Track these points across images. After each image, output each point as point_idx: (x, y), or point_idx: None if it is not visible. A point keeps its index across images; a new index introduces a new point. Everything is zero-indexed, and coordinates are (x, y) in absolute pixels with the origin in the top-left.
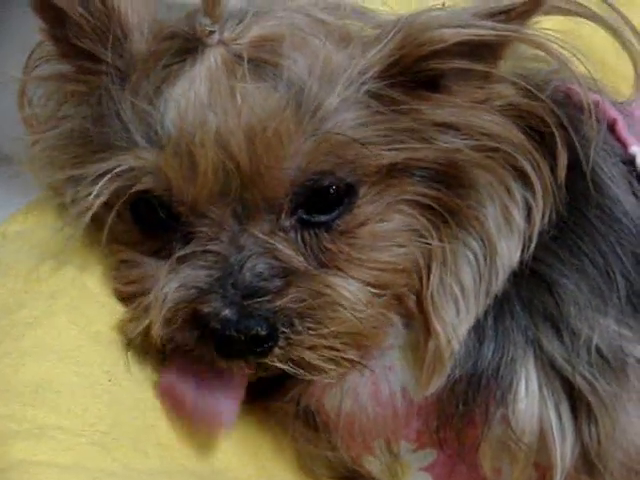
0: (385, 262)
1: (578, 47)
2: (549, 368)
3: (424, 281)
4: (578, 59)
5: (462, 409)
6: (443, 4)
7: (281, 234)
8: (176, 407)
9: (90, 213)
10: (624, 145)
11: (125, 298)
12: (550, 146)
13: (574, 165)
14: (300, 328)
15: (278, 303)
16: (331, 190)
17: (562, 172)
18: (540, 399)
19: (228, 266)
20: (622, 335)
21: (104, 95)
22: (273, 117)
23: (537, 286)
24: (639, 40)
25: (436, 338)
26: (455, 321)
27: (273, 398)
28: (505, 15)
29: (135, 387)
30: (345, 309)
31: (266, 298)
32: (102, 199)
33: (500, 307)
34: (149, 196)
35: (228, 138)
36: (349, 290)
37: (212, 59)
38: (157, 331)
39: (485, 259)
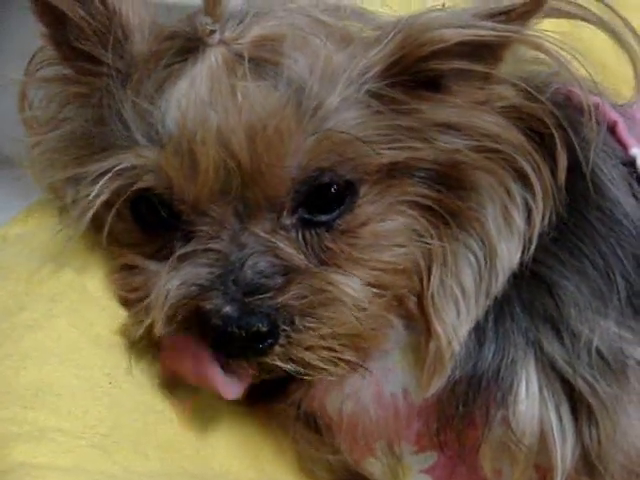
0: (386, 262)
1: (578, 49)
2: (549, 370)
3: (425, 282)
4: (578, 61)
5: (462, 410)
6: (443, 5)
7: (282, 232)
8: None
9: (91, 212)
10: (624, 147)
11: (128, 304)
12: (550, 148)
13: (574, 167)
14: (301, 326)
15: (279, 300)
16: (332, 189)
17: (562, 174)
18: (540, 401)
19: (229, 264)
20: (622, 337)
21: (105, 96)
22: (274, 115)
23: (537, 288)
24: (639, 42)
25: (437, 339)
26: (456, 322)
27: (275, 401)
28: (505, 16)
29: (135, 390)
30: (346, 307)
31: (267, 295)
32: (103, 198)
33: (500, 309)
34: (150, 195)
35: (229, 136)
36: (351, 287)
37: (213, 58)
38: (159, 329)
39: (485, 260)
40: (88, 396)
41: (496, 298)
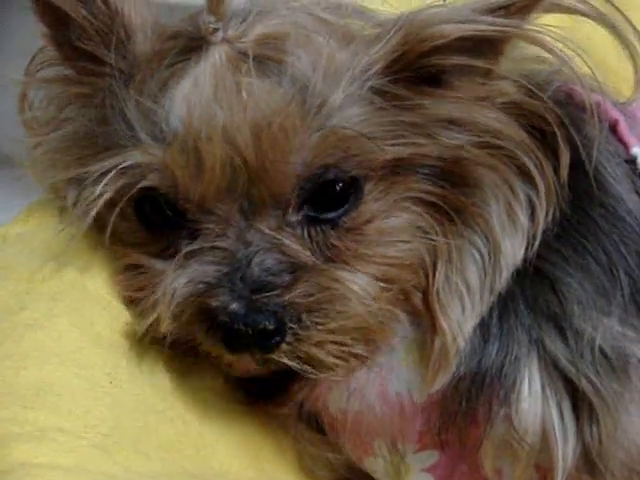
0: (392, 257)
1: (580, 45)
2: (552, 368)
3: (430, 279)
4: (580, 57)
5: (465, 407)
6: (444, 0)
7: (288, 229)
8: None
9: (94, 212)
10: (626, 146)
11: (133, 303)
12: (552, 145)
13: (577, 164)
14: (308, 323)
15: (286, 297)
16: (337, 187)
17: (565, 171)
18: (543, 399)
19: (236, 261)
20: (625, 335)
21: (108, 96)
22: (278, 112)
23: (541, 284)
24: (639, 39)
25: (442, 335)
26: (461, 318)
27: (276, 402)
28: (505, 10)
29: (137, 389)
30: (353, 303)
31: (275, 292)
32: (106, 197)
33: (504, 305)
34: (154, 194)
35: (235, 133)
36: (357, 284)
37: (217, 56)
38: (166, 327)
39: (489, 257)
40: (89, 396)
41: (500, 294)
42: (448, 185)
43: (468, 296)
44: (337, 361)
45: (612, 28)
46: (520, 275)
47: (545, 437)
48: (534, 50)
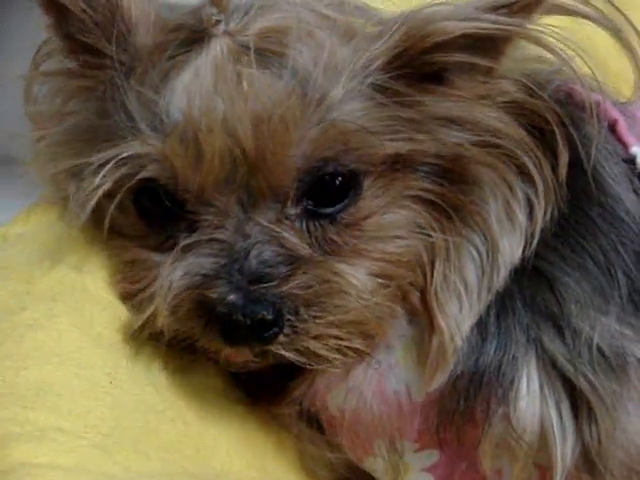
0: (390, 253)
1: (581, 45)
2: (550, 368)
3: (428, 277)
4: (580, 57)
5: (463, 405)
6: None
7: (287, 222)
8: None
9: (93, 202)
10: (625, 145)
11: (129, 295)
12: (551, 144)
13: (575, 163)
14: (306, 316)
15: (284, 288)
16: (336, 181)
17: (563, 170)
18: (541, 398)
19: (234, 253)
20: (623, 334)
21: (109, 88)
22: (279, 104)
23: (539, 283)
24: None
25: (440, 334)
26: (459, 317)
27: (276, 400)
28: (507, 9)
29: (137, 389)
30: (352, 297)
31: (272, 283)
32: (105, 187)
33: (502, 304)
34: (154, 185)
35: (235, 124)
36: (356, 277)
37: (218, 48)
38: (163, 320)
39: (488, 255)
40: (89, 396)
41: (498, 293)
42: (447, 183)
43: (466, 294)
44: (334, 355)
45: (613, 30)
46: (518, 274)
47: (544, 436)
48: (535, 50)
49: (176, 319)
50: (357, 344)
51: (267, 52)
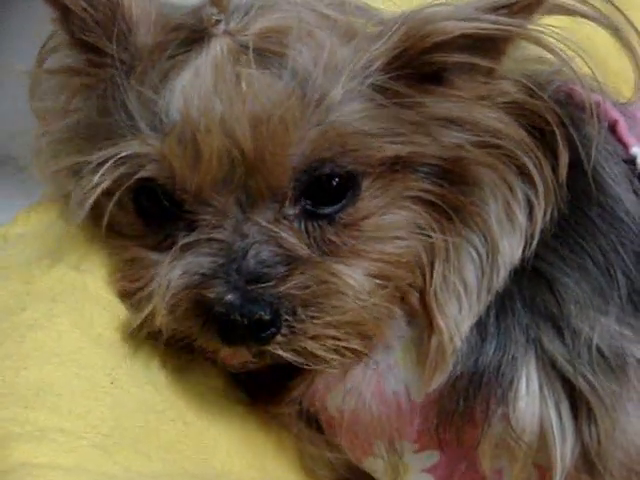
0: (388, 254)
1: (581, 45)
2: (550, 368)
3: (427, 278)
4: (581, 57)
5: (462, 406)
6: None
7: (285, 222)
8: None
9: (91, 200)
10: (625, 146)
11: (128, 294)
12: (552, 145)
13: (576, 164)
14: (303, 317)
15: (282, 288)
16: (334, 181)
17: (563, 170)
18: (541, 399)
19: (232, 253)
20: (623, 335)
21: (109, 86)
22: (278, 105)
23: (538, 284)
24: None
25: (439, 334)
26: (458, 317)
27: (276, 400)
28: (507, 9)
29: (137, 390)
30: (349, 297)
31: (270, 284)
32: (104, 186)
33: (502, 304)
34: (152, 184)
35: (233, 125)
36: (354, 278)
37: (218, 48)
38: (161, 319)
39: (487, 256)
40: (89, 396)
41: (498, 294)
42: (447, 184)
43: (465, 295)
44: (332, 355)
45: (613, 30)
46: (518, 274)
47: (543, 436)
48: (535, 50)
49: (174, 318)
50: (354, 345)
51: (267, 52)
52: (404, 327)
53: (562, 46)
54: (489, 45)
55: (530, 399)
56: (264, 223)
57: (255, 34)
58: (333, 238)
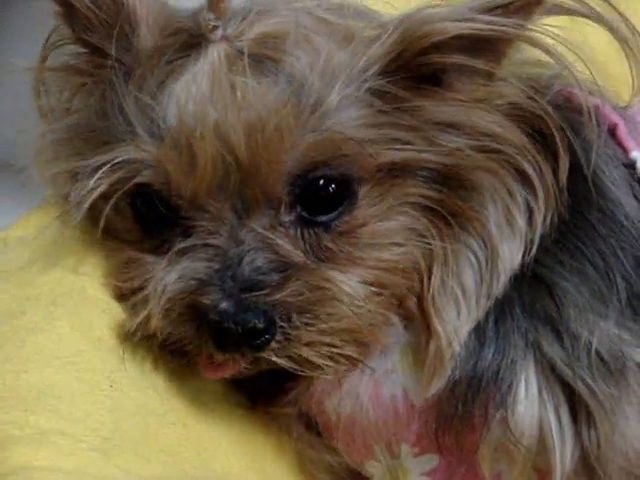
0: (385, 261)
1: (580, 47)
2: (549, 372)
3: (425, 283)
4: (581, 59)
5: (461, 410)
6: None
7: (281, 229)
8: None
9: (88, 203)
10: (625, 150)
11: (124, 295)
12: (552, 149)
13: (576, 168)
14: (298, 323)
15: (276, 296)
16: (329, 188)
17: (564, 175)
18: (540, 402)
19: (227, 259)
20: (622, 339)
21: (108, 89)
22: (273, 113)
23: (538, 289)
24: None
25: (437, 339)
26: (456, 322)
27: (275, 401)
28: (503, 9)
29: (137, 393)
30: (344, 304)
31: (264, 292)
32: (100, 190)
33: (501, 309)
34: (148, 190)
35: (227, 132)
36: (349, 285)
37: (215, 54)
38: (156, 323)
39: (487, 261)
40: (89, 399)
41: (497, 298)
42: (446, 189)
43: (464, 300)
44: (327, 362)
45: (612, 30)
46: (517, 279)
47: (542, 440)
48: (534, 53)
49: (169, 322)
50: (349, 351)
51: (264, 58)
52: (402, 332)
53: (561, 49)
54: (487, 47)
55: (529, 403)
56: (260, 229)
57: (252, 39)
58: (329, 245)
